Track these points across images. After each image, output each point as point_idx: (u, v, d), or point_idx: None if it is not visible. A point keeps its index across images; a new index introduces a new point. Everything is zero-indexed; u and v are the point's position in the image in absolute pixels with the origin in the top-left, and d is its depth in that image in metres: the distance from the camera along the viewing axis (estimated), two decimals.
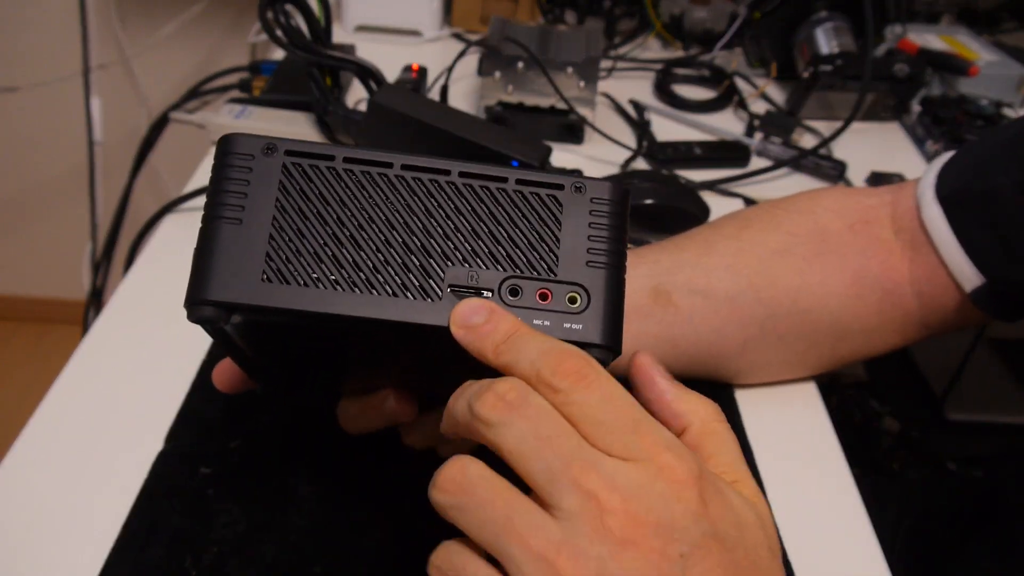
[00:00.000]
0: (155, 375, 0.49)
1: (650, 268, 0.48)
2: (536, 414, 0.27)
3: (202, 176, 0.68)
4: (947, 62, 0.90)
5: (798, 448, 0.49)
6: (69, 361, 0.50)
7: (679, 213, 0.65)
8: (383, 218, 0.30)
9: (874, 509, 0.46)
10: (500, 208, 0.31)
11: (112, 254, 0.84)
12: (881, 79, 0.85)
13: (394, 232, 0.30)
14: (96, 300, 0.95)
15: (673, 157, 0.76)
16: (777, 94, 0.93)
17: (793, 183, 0.76)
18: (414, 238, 0.30)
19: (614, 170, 0.73)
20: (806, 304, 0.48)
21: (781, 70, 0.92)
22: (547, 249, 0.30)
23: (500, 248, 0.30)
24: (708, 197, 0.70)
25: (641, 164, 0.77)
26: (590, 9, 1.02)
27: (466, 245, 0.30)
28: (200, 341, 0.51)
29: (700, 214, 0.66)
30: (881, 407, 0.80)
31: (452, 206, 0.31)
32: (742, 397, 0.52)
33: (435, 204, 0.30)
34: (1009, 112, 0.88)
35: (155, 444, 0.45)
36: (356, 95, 0.82)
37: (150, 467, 0.44)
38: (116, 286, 0.57)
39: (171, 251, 0.60)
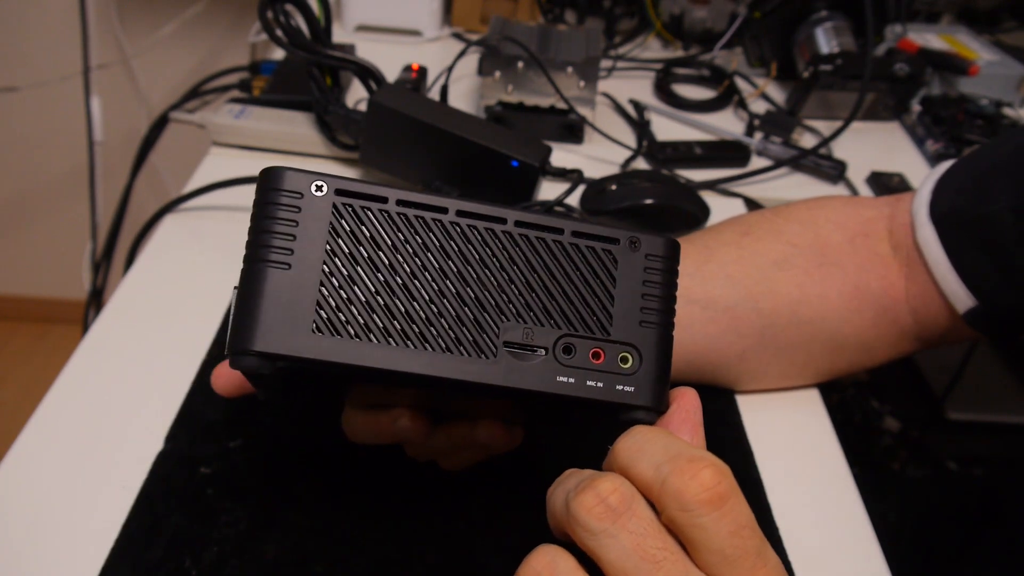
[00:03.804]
0: (155, 375, 0.49)
1: None
2: (643, 528, 0.25)
3: (202, 176, 0.68)
4: (947, 62, 0.90)
5: (798, 448, 0.49)
6: (69, 361, 0.50)
7: (679, 213, 0.65)
8: (436, 267, 0.29)
9: (874, 509, 0.46)
10: (556, 261, 0.30)
11: (112, 254, 0.83)
12: (881, 79, 0.85)
13: (448, 282, 0.29)
14: (96, 300, 0.95)
15: (673, 157, 0.76)
16: (777, 94, 0.93)
17: (793, 183, 0.76)
18: (468, 289, 0.29)
19: (614, 169, 0.73)
20: (805, 316, 0.48)
21: (781, 70, 0.92)
22: (601, 307, 0.30)
23: (555, 303, 0.30)
24: (708, 197, 0.70)
25: (641, 164, 0.77)
26: (590, 9, 1.02)
27: (521, 299, 0.29)
28: (200, 341, 0.51)
29: (700, 214, 0.66)
30: (881, 407, 0.80)
31: (507, 256, 0.30)
32: (742, 396, 0.52)
33: (490, 253, 0.30)
34: (1009, 112, 0.88)
35: (155, 444, 0.45)
36: (356, 95, 0.82)
37: (150, 467, 0.44)
38: (116, 286, 0.57)
39: (171, 251, 0.60)
